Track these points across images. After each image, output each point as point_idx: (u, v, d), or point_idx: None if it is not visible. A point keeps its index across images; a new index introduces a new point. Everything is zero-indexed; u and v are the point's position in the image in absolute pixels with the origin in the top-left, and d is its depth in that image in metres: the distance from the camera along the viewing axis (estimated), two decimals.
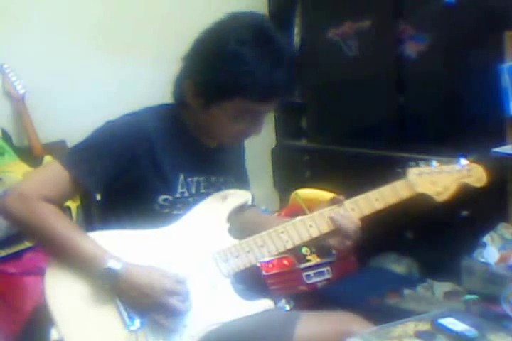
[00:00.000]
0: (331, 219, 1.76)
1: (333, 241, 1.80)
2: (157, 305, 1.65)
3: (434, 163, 1.84)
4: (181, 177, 1.78)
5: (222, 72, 1.63)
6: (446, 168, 1.84)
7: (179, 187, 1.77)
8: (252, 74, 1.62)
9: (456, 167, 1.85)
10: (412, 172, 1.82)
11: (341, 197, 1.80)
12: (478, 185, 1.85)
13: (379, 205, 1.79)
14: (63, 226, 1.69)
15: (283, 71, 1.65)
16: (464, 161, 1.85)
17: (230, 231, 1.79)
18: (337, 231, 1.76)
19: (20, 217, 1.69)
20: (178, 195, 1.77)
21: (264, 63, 1.63)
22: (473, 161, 1.86)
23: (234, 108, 1.68)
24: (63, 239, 1.67)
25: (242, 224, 1.87)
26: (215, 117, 1.71)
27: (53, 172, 1.72)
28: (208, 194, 1.81)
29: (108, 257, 1.65)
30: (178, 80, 1.78)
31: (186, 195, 1.78)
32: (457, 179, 1.84)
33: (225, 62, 1.63)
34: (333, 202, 1.79)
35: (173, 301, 1.64)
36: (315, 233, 1.77)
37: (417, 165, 1.84)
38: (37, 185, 1.71)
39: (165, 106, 1.84)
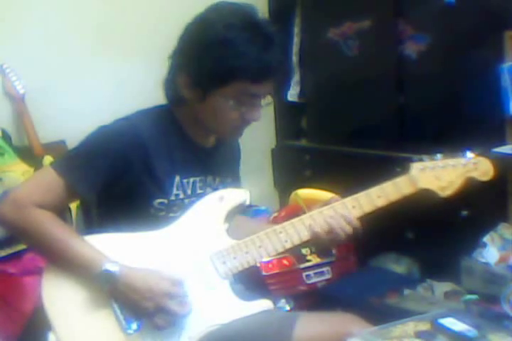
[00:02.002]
0: (329, 218, 1.73)
1: (331, 240, 1.76)
2: (156, 307, 1.64)
3: (439, 156, 1.78)
4: (177, 179, 1.77)
5: (215, 58, 1.64)
6: (451, 161, 1.78)
7: (174, 189, 1.76)
8: (244, 55, 1.63)
9: (462, 160, 1.78)
10: (415, 167, 1.76)
11: (338, 198, 1.77)
12: (484, 178, 1.78)
13: (381, 202, 1.74)
14: (59, 231, 1.69)
15: (273, 51, 1.66)
16: (469, 154, 1.79)
17: (228, 231, 1.78)
18: (333, 230, 1.72)
19: (15, 223, 1.69)
20: (173, 198, 1.76)
21: (255, 45, 1.64)
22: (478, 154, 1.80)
23: (231, 92, 1.67)
24: (60, 244, 1.67)
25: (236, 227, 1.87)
26: (214, 106, 1.71)
27: (47, 179, 1.71)
28: (204, 194, 1.80)
29: (105, 260, 1.64)
30: (168, 79, 1.78)
31: (181, 196, 1.77)
32: (463, 173, 1.77)
33: (216, 48, 1.63)
34: (330, 202, 1.78)
35: (173, 304, 1.64)
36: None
37: (421, 159, 1.78)
38: (31, 191, 1.70)
39: (159, 108, 1.82)
